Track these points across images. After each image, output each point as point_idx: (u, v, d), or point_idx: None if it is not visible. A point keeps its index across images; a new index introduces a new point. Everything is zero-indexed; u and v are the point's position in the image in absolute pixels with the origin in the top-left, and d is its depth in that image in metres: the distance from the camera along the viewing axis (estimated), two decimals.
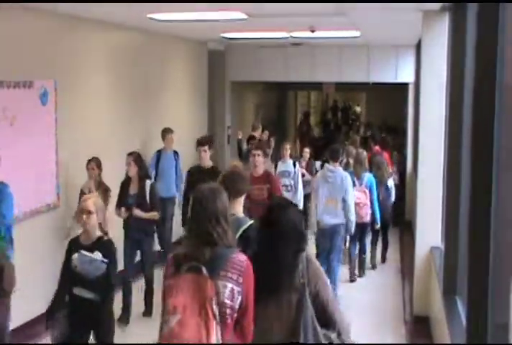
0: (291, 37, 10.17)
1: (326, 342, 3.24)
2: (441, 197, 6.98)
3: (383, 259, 10.05)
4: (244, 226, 4.13)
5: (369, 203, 8.92)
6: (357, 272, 9.05)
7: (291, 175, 9.56)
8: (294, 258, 3.42)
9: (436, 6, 6.68)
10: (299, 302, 3.28)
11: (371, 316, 7.51)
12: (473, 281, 4.15)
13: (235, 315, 3.30)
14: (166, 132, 9.57)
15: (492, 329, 3.95)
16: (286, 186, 9.39)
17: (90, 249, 4.92)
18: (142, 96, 9.60)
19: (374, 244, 9.78)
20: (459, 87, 6.02)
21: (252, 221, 4.20)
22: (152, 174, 9.18)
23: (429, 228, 7.16)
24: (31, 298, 6.65)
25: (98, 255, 4.87)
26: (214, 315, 3.20)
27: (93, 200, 5.03)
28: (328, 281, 3.50)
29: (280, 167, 9.77)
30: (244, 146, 12.23)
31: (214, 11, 7.30)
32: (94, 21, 8.04)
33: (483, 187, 4.03)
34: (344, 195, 7.79)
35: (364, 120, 21.84)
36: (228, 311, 3.27)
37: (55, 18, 7.30)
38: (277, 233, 3.44)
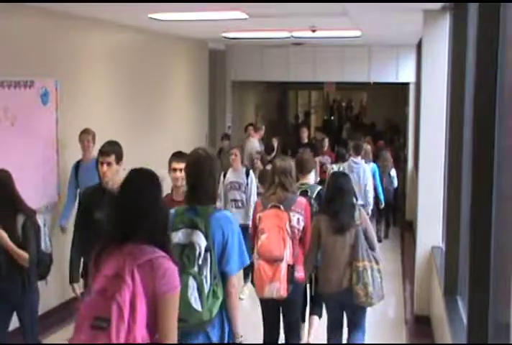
0: (292, 36, 10.18)
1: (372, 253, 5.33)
2: (441, 197, 6.97)
3: (386, 235, 11.46)
4: (317, 189, 5.93)
5: (373, 187, 10.07)
6: None
7: (242, 187, 8.00)
8: (354, 206, 5.47)
9: (437, 5, 6.68)
10: (356, 233, 5.30)
11: (371, 316, 7.48)
12: (474, 280, 4.14)
13: (300, 234, 5.30)
14: (82, 134, 7.38)
15: (494, 329, 3.95)
16: (236, 201, 8.01)
17: None
18: (143, 96, 9.60)
19: (378, 222, 11.22)
20: (460, 86, 6.02)
21: (320, 187, 5.99)
22: (72, 193, 7.31)
23: (430, 228, 7.16)
24: None
25: None
26: (288, 233, 5.10)
27: None
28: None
29: (230, 176, 8.10)
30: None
31: (215, 11, 7.31)
32: (95, 20, 8.04)
33: (484, 187, 4.03)
34: (366, 182, 9.40)
35: (366, 120, 21.83)
36: (296, 231, 5.26)
37: (56, 17, 7.30)
38: (346, 192, 5.44)
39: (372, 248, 5.35)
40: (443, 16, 6.97)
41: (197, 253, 3.75)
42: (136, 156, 9.18)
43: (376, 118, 19.53)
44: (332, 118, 26.60)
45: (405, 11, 7.08)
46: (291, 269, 5.11)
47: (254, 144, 11.89)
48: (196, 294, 3.72)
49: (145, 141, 9.60)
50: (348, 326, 5.63)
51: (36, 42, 7.04)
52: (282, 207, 5.18)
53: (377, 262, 5.32)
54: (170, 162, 5.43)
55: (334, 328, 5.58)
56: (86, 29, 8.02)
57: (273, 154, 11.60)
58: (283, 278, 5.03)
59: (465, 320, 4.53)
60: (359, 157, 9.69)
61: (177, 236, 3.78)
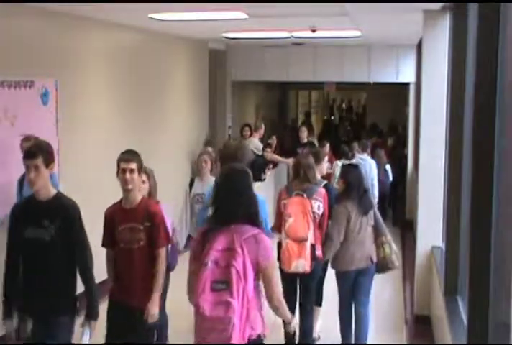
0: (292, 36, 10.18)
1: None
2: (442, 196, 6.98)
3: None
4: (323, 183, 6.42)
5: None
6: None
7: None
8: (369, 192, 6.47)
9: (437, 5, 6.68)
10: (375, 214, 6.16)
11: (372, 316, 7.50)
12: (474, 280, 4.14)
13: (319, 218, 6.04)
14: (23, 142, 6.38)
15: (494, 329, 3.95)
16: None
17: None
18: (143, 96, 9.60)
19: None
20: (460, 86, 6.02)
21: (326, 181, 6.56)
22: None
23: (430, 228, 7.16)
24: None
25: None
26: (310, 218, 5.87)
27: None
28: None
29: (197, 188, 7.05)
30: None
31: (215, 11, 7.31)
32: (95, 20, 8.04)
33: (484, 187, 4.03)
34: (372, 176, 10.43)
35: (366, 120, 21.81)
36: (316, 216, 6.02)
37: (56, 17, 7.30)
38: (361, 180, 6.24)
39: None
40: (443, 16, 6.97)
41: None
42: None
43: (376, 118, 19.51)
44: (332, 118, 26.61)
45: (405, 11, 7.08)
46: (313, 248, 5.93)
47: (255, 143, 11.86)
48: None
49: (145, 141, 9.58)
50: (357, 303, 6.32)
51: (36, 42, 7.04)
52: (305, 195, 5.96)
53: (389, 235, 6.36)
54: (118, 162, 4.84)
55: (347, 300, 6.28)
56: (86, 29, 8.02)
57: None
58: (308, 256, 5.84)
59: (465, 320, 4.53)
60: (365, 154, 10.73)
61: None
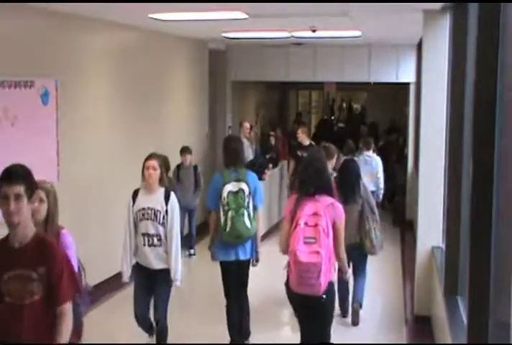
0: (292, 36, 10.18)
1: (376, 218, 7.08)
2: (442, 196, 6.98)
3: None
4: (334, 176, 6.99)
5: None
6: None
7: (160, 216, 5.78)
8: (359, 185, 7.12)
9: (437, 5, 6.69)
10: (362, 203, 6.98)
11: (372, 316, 7.51)
12: (474, 280, 4.14)
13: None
14: None
15: (494, 329, 3.95)
16: (149, 236, 5.78)
17: None
18: (143, 96, 9.60)
19: None
20: (461, 87, 6.02)
21: (335, 174, 7.18)
22: None
23: (430, 228, 7.16)
24: None
25: None
26: None
27: None
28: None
29: (142, 201, 5.81)
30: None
31: (215, 11, 7.31)
32: (95, 20, 8.04)
33: (484, 187, 4.03)
34: (377, 170, 10.91)
35: (366, 120, 21.81)
36: None
37: (56, 17, 7.30)
38: (353, 174, 7.11)
39: (373, 212, 7.06)
40: (443, 16, 6.97)
41: (245, 195, 6.08)
42: (136, 155, 9.21)
43: (376, 118, 19.53)
44: (333, 118, 26.60)
45: (405, 11, 7.08)
46: None
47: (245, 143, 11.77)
48: (247, 219, 6.06)
49: (145, 141, 9.59)
50: (354, 272, 7.06)
51: (36, 42, 7.04)
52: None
53: (377, 223, 7.07)
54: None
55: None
56: (86, 29, 8.01)
57: (270, 154, 11.45)
58: None
59: (465, 320, 4.53)
60: (371, 151, 11.20)
61: (229, 187, 6.02)
